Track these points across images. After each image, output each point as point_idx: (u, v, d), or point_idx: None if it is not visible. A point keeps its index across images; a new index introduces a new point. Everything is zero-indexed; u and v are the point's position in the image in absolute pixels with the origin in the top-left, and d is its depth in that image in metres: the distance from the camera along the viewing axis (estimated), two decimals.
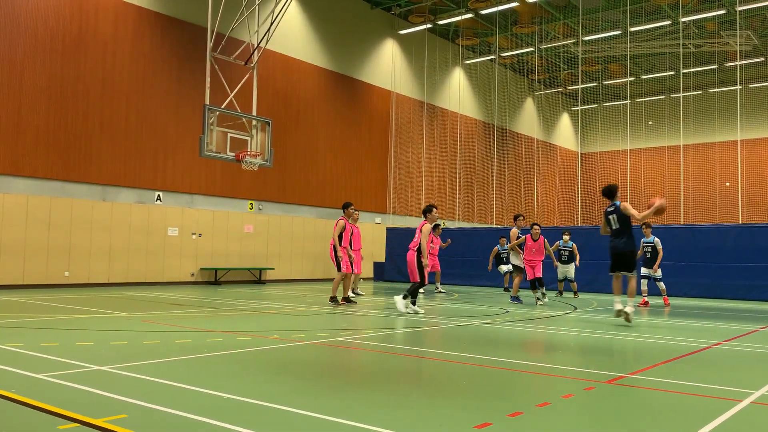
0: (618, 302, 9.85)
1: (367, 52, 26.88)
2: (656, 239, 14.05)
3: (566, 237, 16.47)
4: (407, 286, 20.87)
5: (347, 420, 4.04)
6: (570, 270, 16.40)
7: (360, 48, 26.53)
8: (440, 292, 17.29)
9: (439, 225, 18.49)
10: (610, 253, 9.95)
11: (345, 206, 13.33)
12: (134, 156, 18.67)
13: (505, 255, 17.77)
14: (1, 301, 12.29)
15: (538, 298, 13.68)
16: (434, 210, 11.28)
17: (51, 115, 16.97)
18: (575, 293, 16.70)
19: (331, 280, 22.98)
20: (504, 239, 18.11)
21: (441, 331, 9.04)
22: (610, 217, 9.91)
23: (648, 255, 14.02)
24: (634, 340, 8.41)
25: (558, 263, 16.51)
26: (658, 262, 13.86)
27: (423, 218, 11.34)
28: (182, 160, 19.75)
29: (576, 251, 16.46)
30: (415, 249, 11.06)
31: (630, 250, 9.82)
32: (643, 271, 13.95)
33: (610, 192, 10.03)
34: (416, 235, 11.18)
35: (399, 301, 11.07)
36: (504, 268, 18.17)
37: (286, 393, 4.88)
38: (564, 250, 16.45)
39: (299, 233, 23.41)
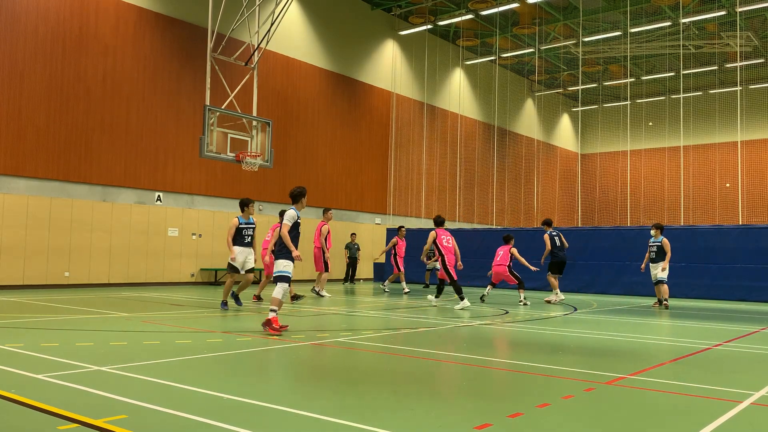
0: None
1: (367, 52, 26.88)
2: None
3: (654, 231, 13.95)
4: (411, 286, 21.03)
5: (347, 420, 4.04)
6: (658, 269, 13.69)
7: (360, 49, 26.54)
8: (406, 292, 17.44)
9: (403, 227, 19.08)
10: None
11: (326, 210, 14.46)
12: (134, 156, 18.67)
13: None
14: (1, 302, 12.29)
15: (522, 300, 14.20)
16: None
17: (51, 116, 16.98)
18: (665, 302, 13.70)
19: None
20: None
21: (441, 332, 9.04)
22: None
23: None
24: (634, 341, 8.41)
25: (648, 264, 14.09)
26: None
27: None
28: (182, 160, 19.76)
29: (667, 248, 13.70)
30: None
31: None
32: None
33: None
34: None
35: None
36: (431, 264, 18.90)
37: (286, 393, 4.88)
38: (652, 246, 13.94)
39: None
